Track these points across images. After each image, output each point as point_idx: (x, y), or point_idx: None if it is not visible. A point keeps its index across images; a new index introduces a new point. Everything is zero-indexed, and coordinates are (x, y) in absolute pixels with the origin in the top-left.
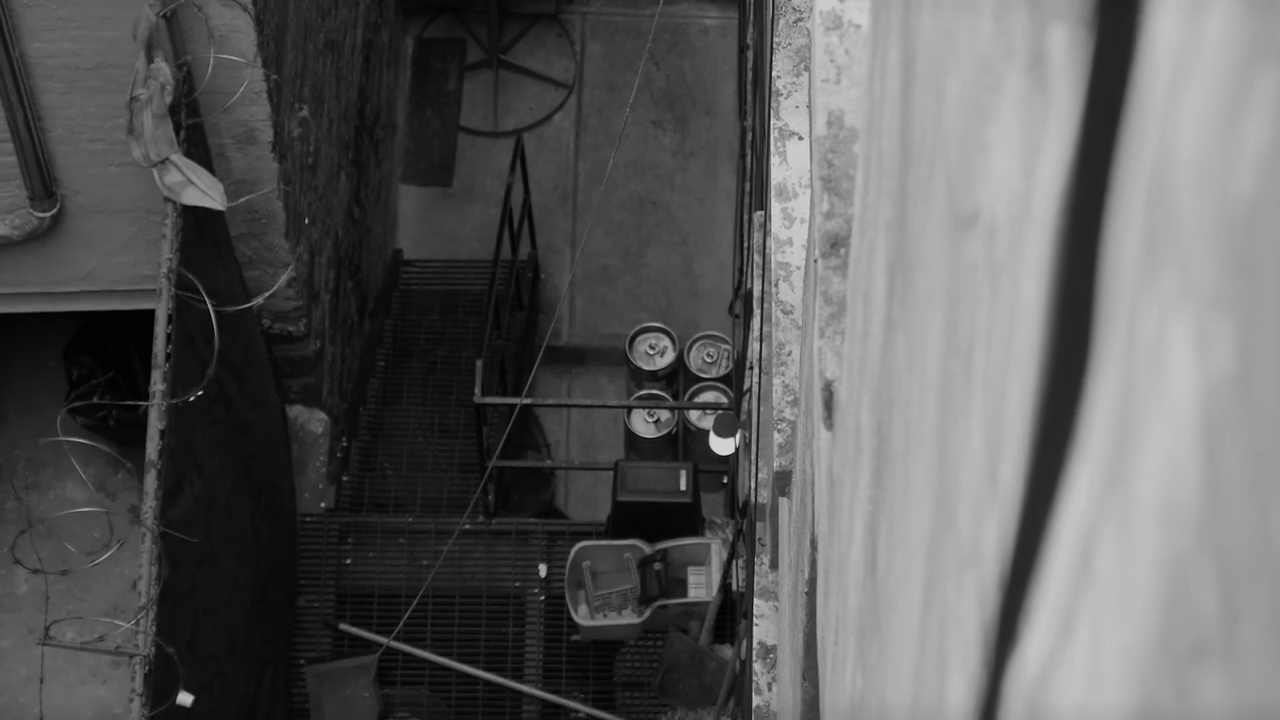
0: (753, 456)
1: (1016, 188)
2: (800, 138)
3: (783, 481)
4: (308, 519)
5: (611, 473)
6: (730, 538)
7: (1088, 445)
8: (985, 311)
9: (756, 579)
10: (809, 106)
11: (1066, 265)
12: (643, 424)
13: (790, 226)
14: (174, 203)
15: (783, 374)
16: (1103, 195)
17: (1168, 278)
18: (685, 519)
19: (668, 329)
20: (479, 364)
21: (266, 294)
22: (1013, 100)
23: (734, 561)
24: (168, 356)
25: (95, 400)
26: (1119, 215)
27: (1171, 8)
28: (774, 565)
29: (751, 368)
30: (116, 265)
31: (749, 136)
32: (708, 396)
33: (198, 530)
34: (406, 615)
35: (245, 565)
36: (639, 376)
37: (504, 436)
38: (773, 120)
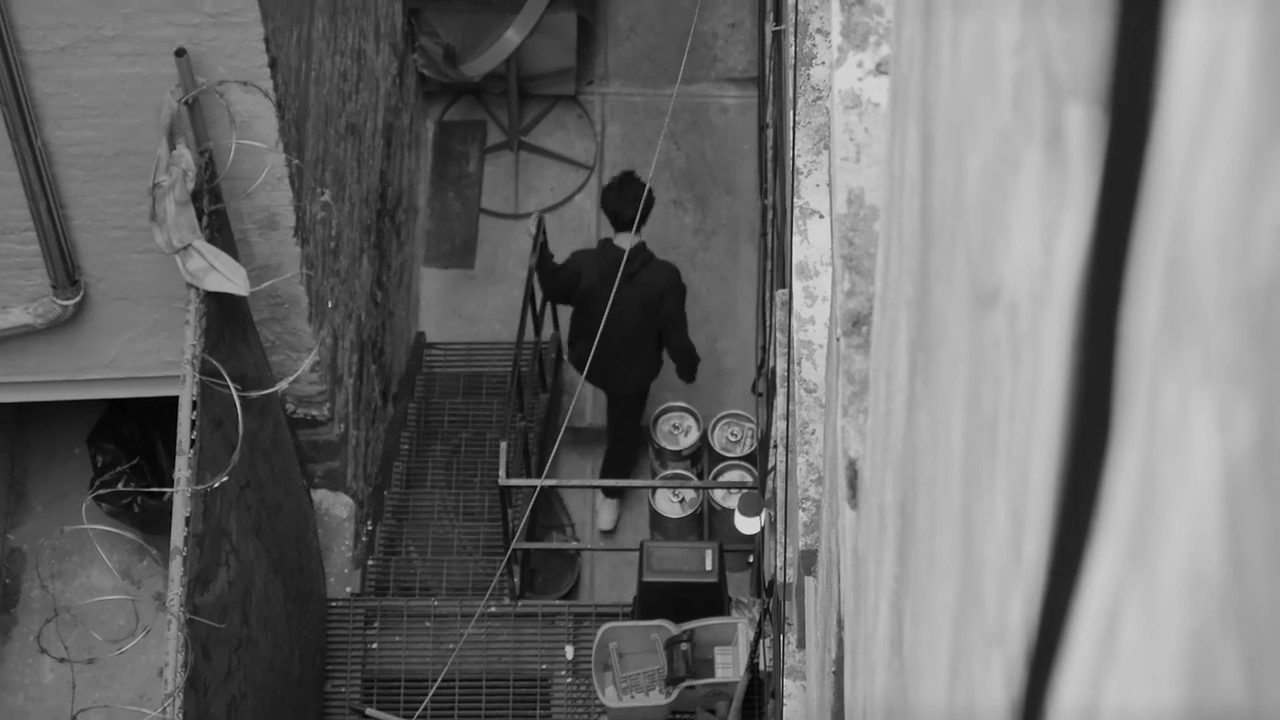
0: (778, 535)
1: (1037, 264)
2: (821, 216)
3: (808, 560)
4: (333, 604)
5: (637, 553)
6: (757, 617)
7: (1111, 520)
8: (1008, 388)
9: (784, 658)
10: (829, 185)
11: (1087, 341)
12: (668, 504)
13: (812, 304)
14: (197, 289)
15: (807, 452)
16: (1122, 271)
17: (1188, 353)
18: (711, 599)
19: (691, 408)
20: (503, 446)
21: (290, 379)
22: (1032, 178)
23: (761, 641)
24: (192, 443)
25: (120, 487)
26: (1138, 291)
27: (1186, 85)
28: (801, 644)
29: (776, 446)
30: (140, 352)
31: (770, 215)
32: (733, 475)
33: (234, 615)
34: (429, 697)
35: (280, 650)
36: (663, 456)
37: (528, 518)
38: (793, 198)
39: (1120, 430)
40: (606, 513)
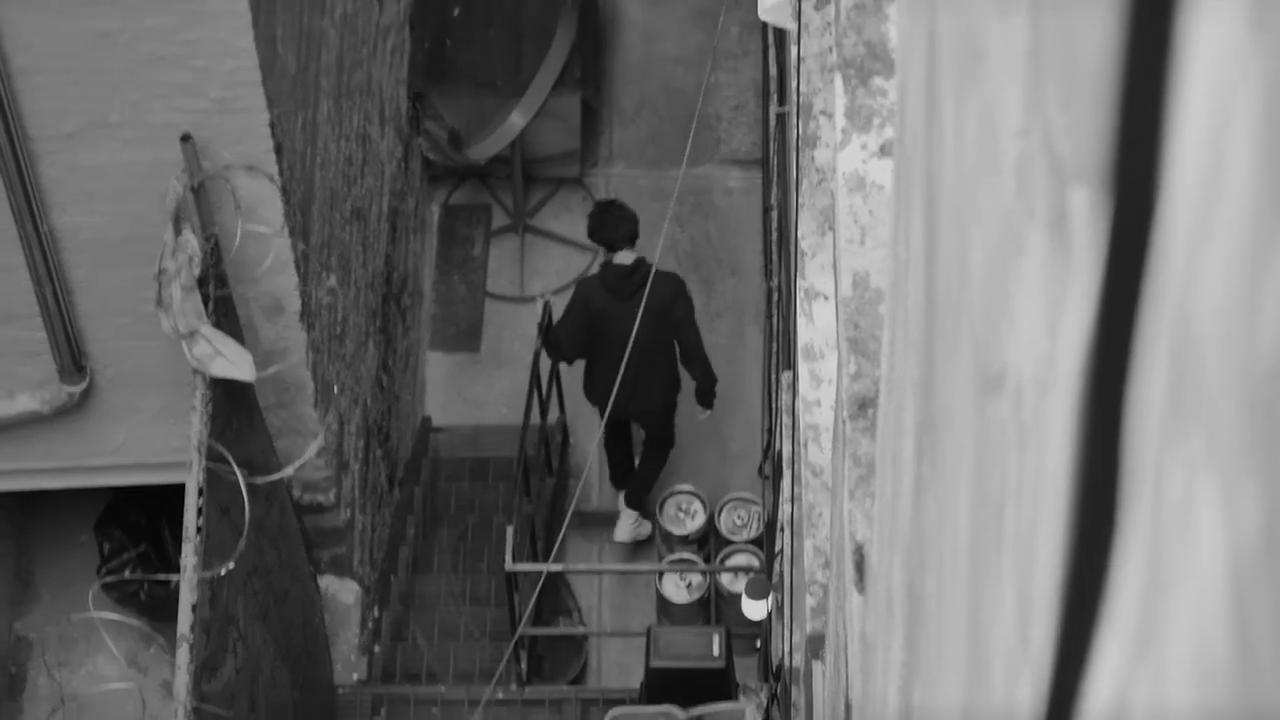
0: (785, 620)
1: (1042, 348)
2: (826, 298)
3: (816, 645)
4: (341, 690)
5: (644, 638)
6: (765, 702)
7: (1118, 605)
8: (1014, 472)
9: None
10: (834, 267)
11: (1091, 425)
12: (674, 588)
13: (818, 387)
14: (203, 374)
15: (814, 536)
16: (1126, 355)
17: (1193, 437)
18: (719, 684)
19: (698, 491)
20: (509, 530)
21: (296, 464)
22: (1036, 261)
23: None
24: (199, 529)
25: (127, 575)
26: (1143, 374)
27: (1190, 166)
28: None
29: (782, 530)
30: (146, 438)
31: (775, 297)
32: (739, 559)
33: (242, 702)
34: None
35: None
36: (670, 540)
37: (534, 603)
38: (798, 281)
39: (1125, 515)
40: (626, 524)
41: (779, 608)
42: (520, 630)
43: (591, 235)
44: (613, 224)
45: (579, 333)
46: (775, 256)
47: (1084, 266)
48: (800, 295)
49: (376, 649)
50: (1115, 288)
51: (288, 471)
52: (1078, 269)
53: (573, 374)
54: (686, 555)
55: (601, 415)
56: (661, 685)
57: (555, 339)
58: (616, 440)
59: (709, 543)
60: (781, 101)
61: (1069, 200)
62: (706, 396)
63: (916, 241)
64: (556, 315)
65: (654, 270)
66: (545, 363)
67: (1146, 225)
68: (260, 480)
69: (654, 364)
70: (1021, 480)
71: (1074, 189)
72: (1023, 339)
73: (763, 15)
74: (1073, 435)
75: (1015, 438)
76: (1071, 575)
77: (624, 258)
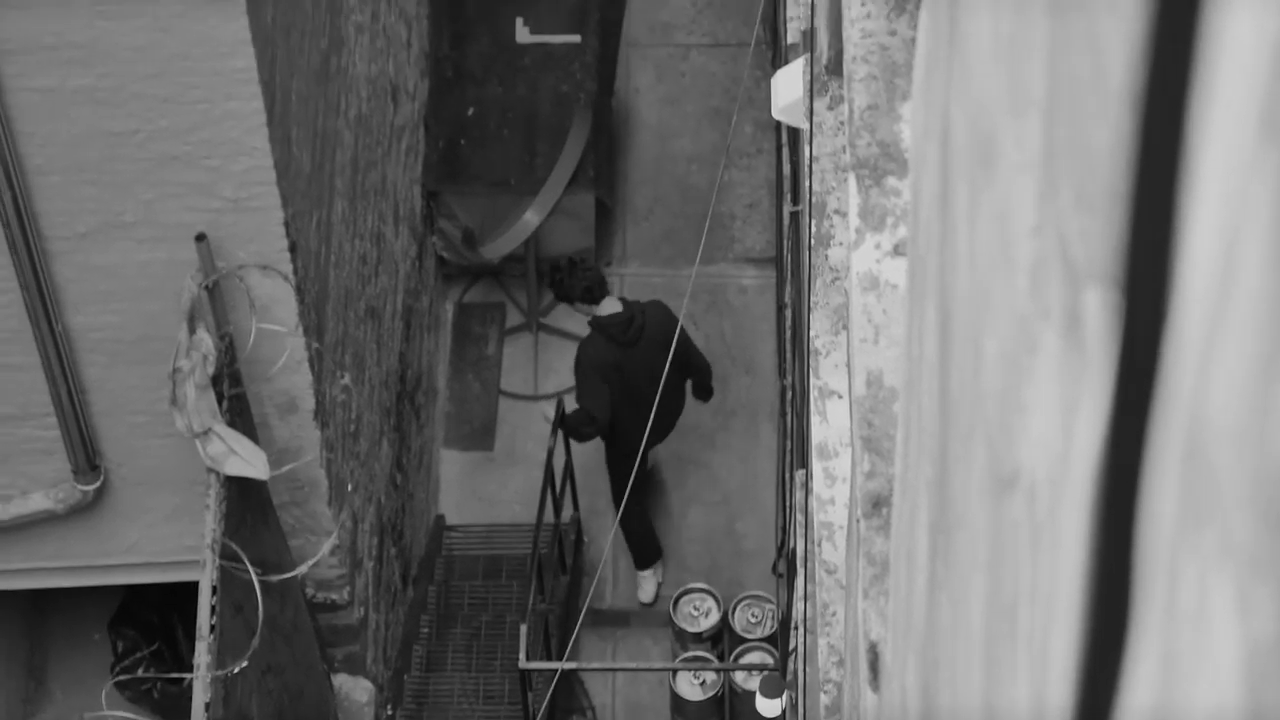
0: (799, 718)
1: (1056, 448)
2: (840, 396)
3: None
4: None
5: None
6: None
7: (1132, 705)
8: (1028, 571)
9: None
10: (848, 366)
11: (1105, 526)
12: (688, 686)
13: (832, 485)
14: (217, 473)
15: (828, 634)
16: (1139, 456)
17: (1207, 538)
18: None
19: (711, 590)
20: (523, 629)
21: (310, 562)
22: (1050, 360)
23: None
24: (212, 628)
25: (140, 673)
26: (1156, 475)
27: (1202, 268)
28: None
29: (796, 628)
30: (160, 537)
31: (789, 395)
32: (754, 657)
33: None
34: None
35: None
36: (684, 638)
37: (549, 702)
38: (812, 379)
39: (1139, 615)
40: (649, 584)
41: (793, 706)
42: None
43: (568, 297)
44: (580, 277)
45: (603, 394)
46: (789, 355)
47: (1097, 367)
48: (814, 394)
49: None
50: (1128, 389)
51: (301, 569)
52: (1091, 369)
53: (587, 470)
54: (700, 653)
55: (633, 459)
56: None
57: (581, 415)
58: (638, 516)
59: (723, 640)
60: (795, 200)
61: (1082, 301)
62: (706, 391)
63: (930, 340)
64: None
65: (644, 306)
66: (559, 460)
67: (1159, 326)
68: (274, 578)
69: (678, 390)
70: (1035, 579)
71: (1087, 290)
72: (1036, 438)
73: (776, 114)
74: (1086, 535)
75: (1029, 537)
76: (1086, 675)
77: (611, 306)
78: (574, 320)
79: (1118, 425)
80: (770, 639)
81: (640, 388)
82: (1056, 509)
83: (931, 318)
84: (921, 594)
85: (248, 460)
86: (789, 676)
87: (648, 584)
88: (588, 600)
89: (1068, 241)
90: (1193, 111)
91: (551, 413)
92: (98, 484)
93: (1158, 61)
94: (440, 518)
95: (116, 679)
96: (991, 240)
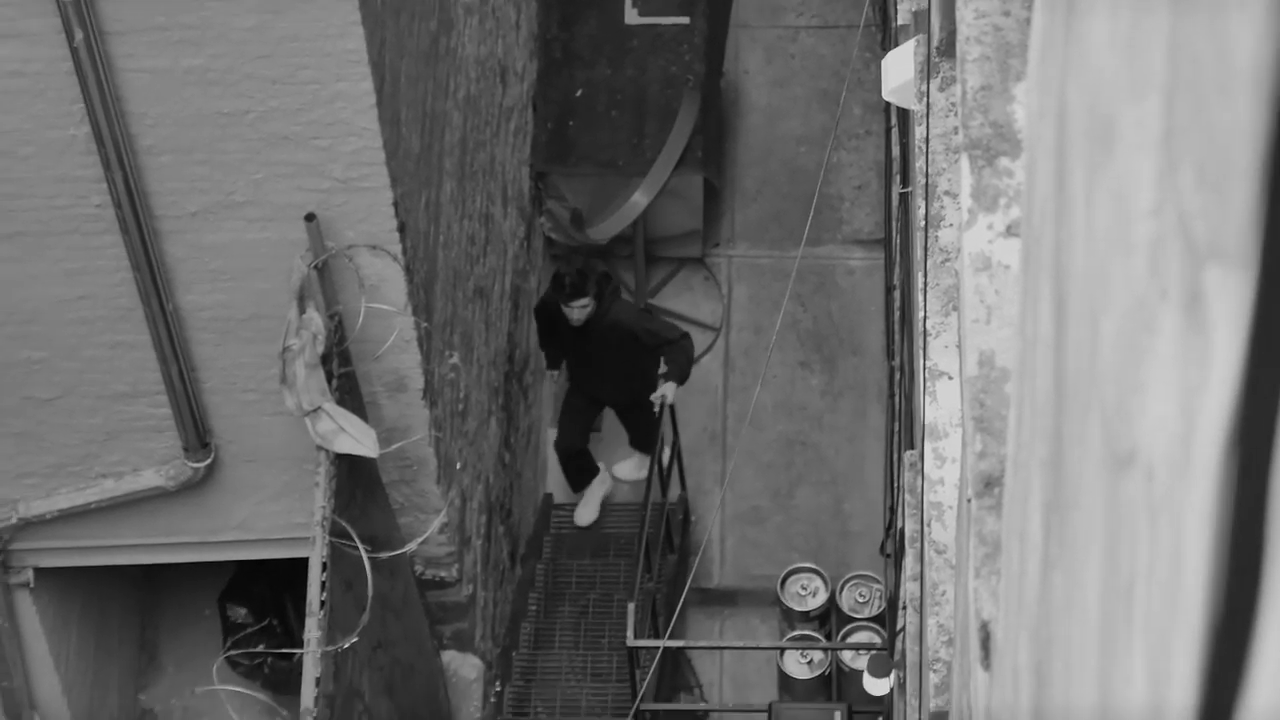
0: (908, 697)
1: (1175, 428)
2: (950, 377)
3: None
4: None
5: (765, 715)
6: None
7: (1258, 688)
8: (1145, 551)
9: None
10: (959, 346)
11: (1234, 507)
12: (796, 665)
13: (941, 466)
14: (327, 451)
15: (937, 614)
16: (1271, 438)
17: None
18: None
19: (819, 569)
20: (631, 607)
21: (419, 540)
22: (1169, 340)
23: None
24: (322, 604)
25: (251, 649)
26: None
27: None
28: None
29: (905, 608)
30: (270, 513)
31: (897, 376)
32: (861, 637)
33: None
34: None
35: None
36: (791, 617)
37: (655, 679)
38: (922, 360)
39: (1269, 598)
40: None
41: (901, 685)
42: (641, 706)
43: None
44: (587, 279)
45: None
46: (898, 336)
47: (1222, 347)
48: (924, 375)
49: None
50: (1259, 368)
51: (411, 547)
52: (1216, 349)
53: (693, 451)
54: (808, 632)
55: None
56: None
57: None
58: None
59: (830, 620)
60: (904, 182)
61: (1203, 279)
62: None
63: (1045, 321)
64: (679, 392)
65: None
66: (666, 441)
67: None
68: (383, 555)
69: (635, 365)
70: (1154, 560)
71: (1210, 269)
72: (1155, 418)
73: (887, 96)
74: (1212, 518)
75: (1147, 517)
76: (1210, 657)
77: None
78: (682, 300)
79: (1247, 405)
80: (877, 618)
81: (591, 354)
82: (1176, 489)
83: (1046, 298)
84: (1035, 573)
85: (357, 438)
86: (897, 656)
87: (588, 505)
88: (694, 579)
89: (1188, 221)
90: None
91: (661, 395)
92: (208, 461)
93: None
94: (548, 496)
95: (227, 654)
96: (1109, 220)
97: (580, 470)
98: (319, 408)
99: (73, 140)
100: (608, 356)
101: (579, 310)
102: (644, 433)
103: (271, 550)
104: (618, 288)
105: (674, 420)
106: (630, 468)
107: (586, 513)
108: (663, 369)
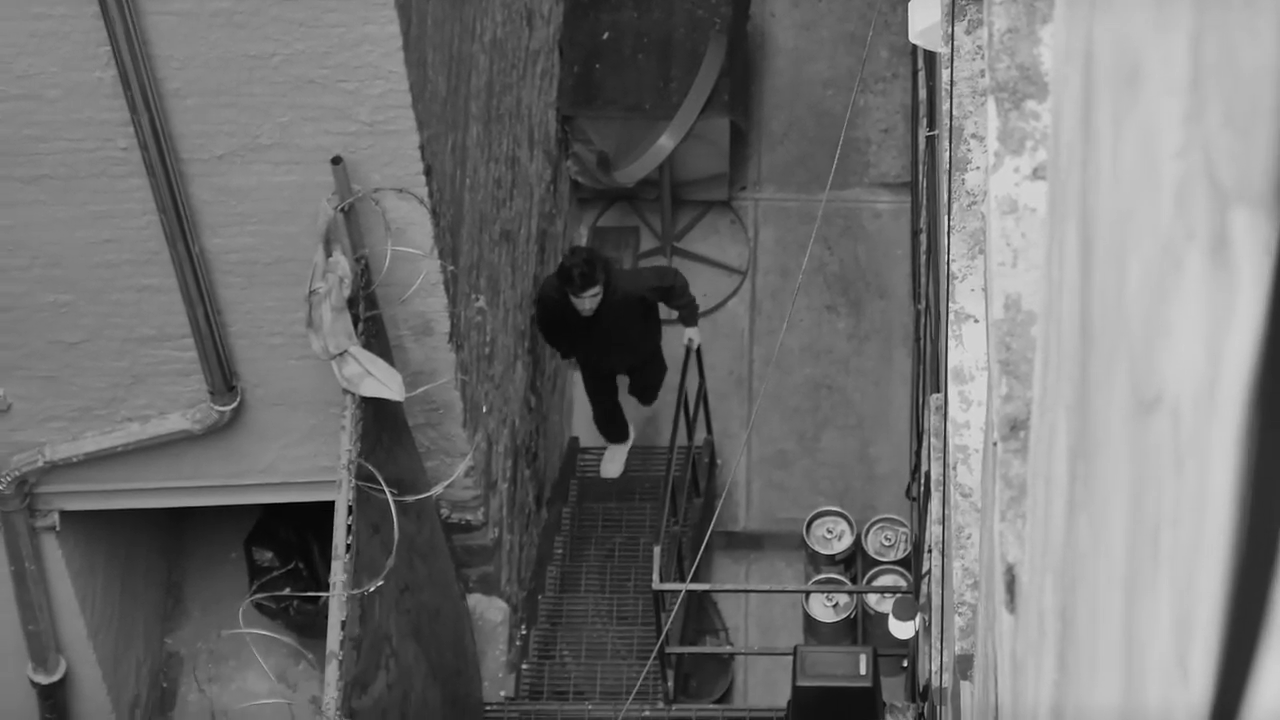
0: (933, 640)
1: (1201, 370)
2: (976, 321)
3: (964, 665)
4: (489, 708)
5: (791, 657)
6: None
7: None
8: (1171, 494)
9: None
10: (985, 290)
11: (1259, 448)
12: (821, 608)
13: (967, 409)
14: (353, 394)
15: (962, 557)
16: None
17: None
18: (865, 704)
19: (845, 513)
20: (656, 550)
21: (445, 483)
22: (1196, 282)
23: None
24: (348, 547)
25: (277, 592)
26: None
27: None
28: None
29: (930, 551)
30: (296, 457)
31: (923, 319)
32: (886, 580)
33: (392, 719)
34: None
35: None
36: (817, 560)
37: (680, 622)
38: (948, 303)
39: None
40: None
41: (926, 628)
42: (666, 648)
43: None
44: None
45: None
46: (924, 279)
47: (1249, 287)
48: (950, 318)
49: (524, 667)
50: None
51: (437, 490)
52: (1242, 290)
53: (720, 394)
54: (833, 575)
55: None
56: (808, 704)
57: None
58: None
59: (855, 563)
60: (931, 125)
61: (1230, 221)
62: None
63: (1071, 264)
64: (704, 336)
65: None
66: (691, 383)
67: None
68: (410, 499)
69: (641, 330)
70: (1179, 502)
71: (1236, 210)
72: (1181, 360)
73: (913, 39)
74: (1237, 458)
75: (1172, 459)
76: (1234, 599)
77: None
78: (708, 244)
79: (1270, 349)
80: (903, 562)
81: (605, 332)
82: (1202, 432)
83: (1073, 241)
84: (1060, 516)
85: (383, 381)
86: (922, 599)
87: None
88: (719, 523)
89: (1215, 162)
90: None
91: (688, 339)
92: (234, 405)
93: None
94: (574, 440)
95: (253, 597)
96: (1135, 162)
97: (616, 426)
98: (345, 351)
99: (99, 83)
100: (618, 329)
101: (591, 300)
102: (646, 383)
103: (297, 494)
104: (609, 262)
105: (700, 364)
106: (615, 468)
107: (613, 467)
108: (666, 314)
